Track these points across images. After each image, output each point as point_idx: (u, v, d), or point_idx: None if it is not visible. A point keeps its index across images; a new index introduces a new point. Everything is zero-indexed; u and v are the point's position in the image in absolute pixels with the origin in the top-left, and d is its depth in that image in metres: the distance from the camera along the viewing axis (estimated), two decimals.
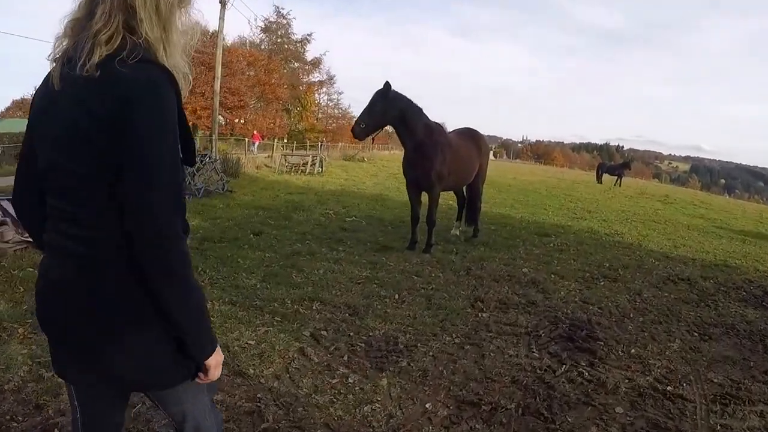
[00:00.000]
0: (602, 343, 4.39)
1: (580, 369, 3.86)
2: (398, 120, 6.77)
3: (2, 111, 48.10)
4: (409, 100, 6.89)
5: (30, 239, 1.62)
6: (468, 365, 3.83)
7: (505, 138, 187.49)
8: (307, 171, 20.11)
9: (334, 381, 3.46)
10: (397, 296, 5.31)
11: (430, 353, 3.99)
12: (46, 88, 1.27)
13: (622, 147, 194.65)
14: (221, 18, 19.23)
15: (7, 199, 6.26)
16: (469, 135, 8.12)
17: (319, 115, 51.19)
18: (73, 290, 1.27)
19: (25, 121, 1.46)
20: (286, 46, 46.76)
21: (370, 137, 6.98)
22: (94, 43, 1.16)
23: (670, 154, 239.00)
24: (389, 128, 7.20)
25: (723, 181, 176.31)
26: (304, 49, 48.53)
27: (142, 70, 1.17)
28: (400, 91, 6.83)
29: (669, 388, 3.64)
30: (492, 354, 4.05)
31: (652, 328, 4.95)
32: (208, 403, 1.58)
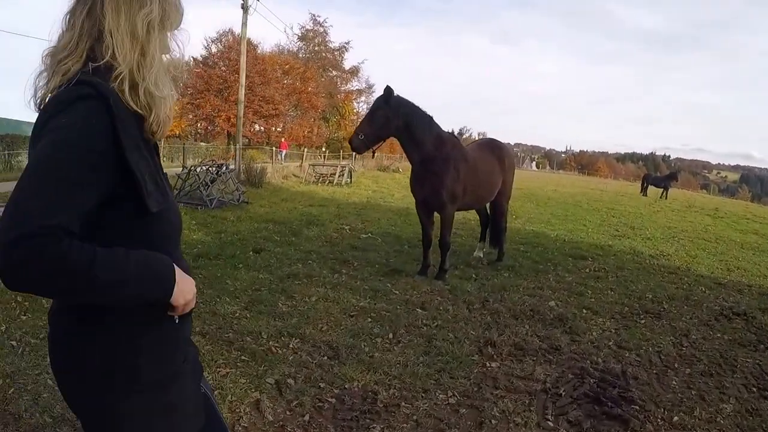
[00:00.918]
0: (638, 407, 3.50)
1: None
2: (403, 130, 5.98)
3: None
4: (416, 107, 6.11)
5: None
6: None
7: (548, 148, 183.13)
8: (335, 182, 19.52)
9: None
10: (391, 335, 4.53)
11: (414, 417, 3.20)
12: None
13: (668, 156, 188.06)
14: (244, 24, 18.88)
15: None
16: (490, 147, 7.26)
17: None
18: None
19: None
20: (323, 55, 46.54)
21: (371, 150, 6.22)
22: (52, 75, 1.15)
23: (718, 164, 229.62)
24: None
25: None
26: (342, 57, 48.31)
27: (71, 90, 1.10)
28: (406, 97, 6.07)
29: None
30: (493, 421, 3.22)
31: (700, 382, 4.03)
32: None
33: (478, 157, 6.68)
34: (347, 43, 48.06)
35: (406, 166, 33.51)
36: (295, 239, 8.27)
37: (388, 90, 5.88)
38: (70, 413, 2.74)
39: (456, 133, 7.13)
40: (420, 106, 6.10)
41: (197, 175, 11.58)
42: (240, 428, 2.95)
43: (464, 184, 6.23)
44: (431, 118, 6.17)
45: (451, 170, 6.06)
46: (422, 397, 3.46)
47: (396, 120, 5.87)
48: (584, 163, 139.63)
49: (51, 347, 1.26)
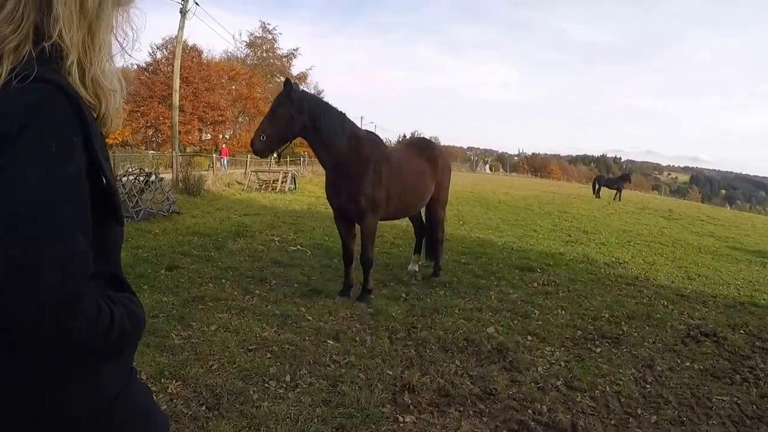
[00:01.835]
0: None
1: None
2: (310, 129, 5.04)
3: None
4: (323, 102, 5.23)
5: None
6: None
7: (501, 151, 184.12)
8: (278, 188, 18.49)
9: None
10: (289, 378, 3.63)
11: None
12: None
13: (620, 158, 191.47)
14: (181, 27, 17.64)
15: None
16: (419, 147, 6.34)
17: None
18: None
19: None
20: (271, 61, 45.40)
21: (276, 153, 5.27)
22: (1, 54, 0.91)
23: (668, 165, 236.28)
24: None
25: (723, 191, 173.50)
26: (290, 64, 47.16)
27: (30, 92, 0.87)
28: (307, 93, 5.20)
29: None
30: None
31: None
32: None
33: (404, 158, 5.78)
34: (295, 49, 47.18)
35: None
36: (216, 254, 7.33)
37: (288, 84, 4.95)
38: None
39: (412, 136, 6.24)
40: (330, 102, 5.21)
41: (123, 185, 10.38)
42: None
43: (388, 190, 5.32)
44: (343, 114, 5.25)
45: (369, 174, 5.14)
46: None
47: (300, 118, 4.93)
48: (537, 165, 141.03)
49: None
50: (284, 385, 3.53)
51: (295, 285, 5.94)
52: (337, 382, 3.56)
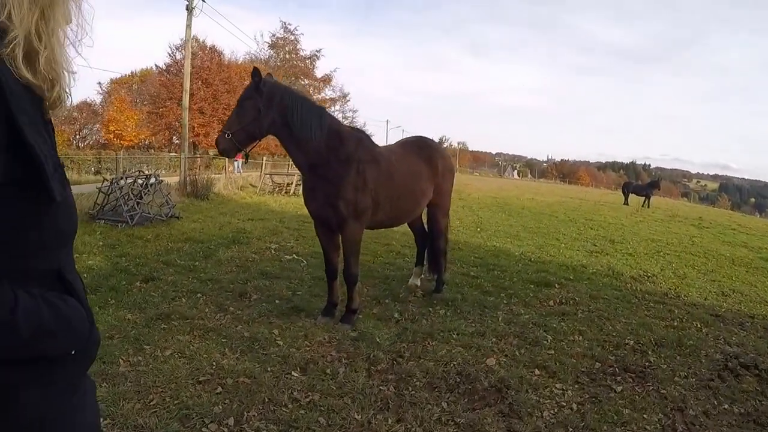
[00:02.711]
0: None
1: None
2: (280, 125, 4.40)
3: None
4: (299, 95, 4.56)
5: None
6: None
7: (530, 157, 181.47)
8: (292, 191, 17.96)
9: None
10: (232, 420, 3.04)
11: None
12: None
13: (649, 165, 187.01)
14: (188, 26, 17.12)
15: None
16: (416, 146, 5.59)
17: None
18: None
19: None
20: (294, 63, 44.89)
21: (244, 152, 4.65)
22: None
23: (698, 173, 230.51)
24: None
25: (753, 200, 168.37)
26: (314, 65, 46.43)
27: None
28: (280, 84, 4.56)
29: None
30: None
31: None
32: None
33: (396, 158, 5.09)
34: (318, 51, 46.18)
35: None
36: (201, 264, 6.80)
37: (257, 74, 4.32)
38: None
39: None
40: (306, 95, 4.55)
41: (119, 188, 9.90)
42: None
43: (375, 194, 4.63)
44: (322, 109, 4.62)
45: (351, 175, 4.46)
46: None
47: (270, 113, 4.30)
48: (566, 171, 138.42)
49: None
50: (225, 431, 2.90)
51: (276, 301, 5.32)
52: (291, 428, 2.91)
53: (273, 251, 7.86)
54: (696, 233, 16.06)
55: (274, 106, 4.28)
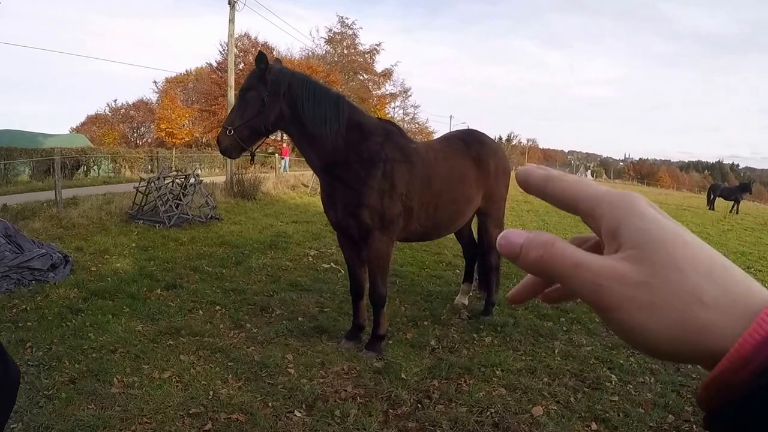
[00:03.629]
0: None
1: None
2: (289, 119, 3.77)
3: (78, 125, 49.53)
4: (311, 82, 3.88)
5: None
6: None
7: (605, 156, 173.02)
8: None
9: None
10: None
11: None
12: None
13: (737, 165, 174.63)
14: (231, 20, 16.79)
15: None
16: (463, 142, 4.69)
17: None
18: None
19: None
20: (353, 58, 44.35)
21: (249, 151, 4.00)
22: None
23: None
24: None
25: None
26: (373, 59, 45.22)
27: None
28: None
29: None
30: None
31: None
32: None
33: (436, 156, 4.28)
34: (378, 44, 44.97)
35: None
36: (229, 271, 6.39)
37: (263, 59, 3.72)
38: None
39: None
40: (320, 81, 3.92)
41: (157, 188, 9.68)
42: None
43: (408, 200, 3.92)
44: (339, 96, 3.89)
45: (376, 178, 3.76)
46: None
47: (276, 104, 3.69)
48: (644, 172, 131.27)
49: None
50: None
51: (299, 319, 4.77)
52: None
53: (310, 258, 7.33)
54: None
55: (281, 96, 3.67)
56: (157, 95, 46.44)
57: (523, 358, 4.10)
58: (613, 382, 3.76)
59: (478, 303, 5.40)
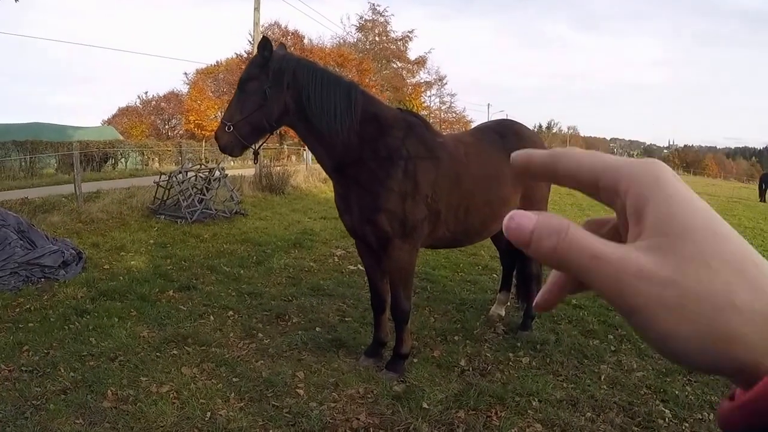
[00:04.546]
0: None
1: None
2: (295, 113, 3.33)
3: (109, 118, 50.16)
4: (318, 68, 3.44)
5: None
6: None
7: (648, 143, 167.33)
8: None
9: None
10: None
11: None
12: None
13: None
14: (256, 8, 16.43)
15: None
16: (498, 134, 4.09)
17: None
18: None
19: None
20: (385, 45, 43.43)
21: (252, 150, 3.57)
22: None
23: None
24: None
25: None
26: (406, 47, 44.44)
27: None
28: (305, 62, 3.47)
29: None
30: None
31: None
32: None
33: (467, 151, 3.75)
34: (411, 32, 44.08)
35: None
36: (248, 272, 6.13)
37: (267, 45, 3.29)
38: None
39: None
40: (330, 69, 3.48)
41: (179, 183, 9.45)
42: None
43: (433, 202, 3.45)
44: (351, 86, 3.43)
45: (396, 178, 3.31)
46: None
47: (280, 96, 3.26)
48: (689, 160, 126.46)
49: None
50: None
51: (317, 329, 4.39)
52: None
53: (336, 259, 6.95)
54: None
55: (285, 87, 3.25)
56: (188, 87, 47.04)
57: (564, 385, 3.62)
58: (667, 420, 3.25)
59: (516, 315, 4.91)
